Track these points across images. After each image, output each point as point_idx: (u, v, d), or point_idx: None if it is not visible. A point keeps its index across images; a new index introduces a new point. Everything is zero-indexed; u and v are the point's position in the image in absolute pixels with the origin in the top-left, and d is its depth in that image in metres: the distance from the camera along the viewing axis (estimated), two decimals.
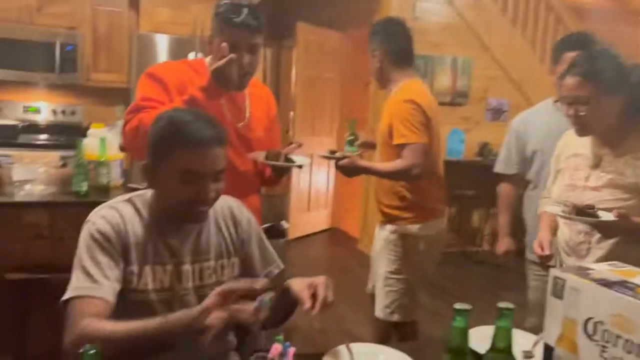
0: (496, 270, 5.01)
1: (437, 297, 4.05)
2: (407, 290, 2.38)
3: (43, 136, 4.63)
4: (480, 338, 1.25)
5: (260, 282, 1.15)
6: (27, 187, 2.39)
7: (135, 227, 1.33)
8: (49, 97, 4.79)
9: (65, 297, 1.22)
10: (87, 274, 1.23)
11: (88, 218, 1.32)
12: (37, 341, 2.25)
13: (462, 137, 5.24)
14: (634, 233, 1.64)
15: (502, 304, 1.03)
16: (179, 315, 1.17)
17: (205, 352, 1.39)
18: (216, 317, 1.11)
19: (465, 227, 5.48)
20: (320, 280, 1.27)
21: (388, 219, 2.42)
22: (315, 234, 5.84)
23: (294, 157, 1.91)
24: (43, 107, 4.74)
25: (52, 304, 2.20)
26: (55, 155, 4.09)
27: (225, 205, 1.49)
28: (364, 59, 5.43)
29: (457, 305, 1.00)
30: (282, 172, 1.99)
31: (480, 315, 1.27)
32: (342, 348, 1.33)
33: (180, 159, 1.27)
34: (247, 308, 1.14)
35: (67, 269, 2.17)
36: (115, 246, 1.28)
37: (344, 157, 2.32)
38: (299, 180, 5.53)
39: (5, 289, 2.17)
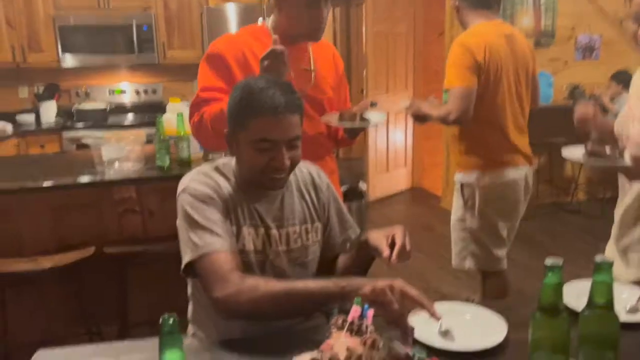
0: (593, 220, 4.71)
1: (528, 250, 3.88)
2: (473, 239, 2.37)
3: (129, 116, 4.87)
4: (577, 294, 1.17)
5: (433, 309, 1.10)
6: (116, 165, 2.52)
7: (227, 191, 1.35)
8: (131, 78, 5.00)
9: (191, 257, 1.25)
10: (208, 230, 1.26)
11: (182, 187, 1.34)
12: (137, 310, 2.41)
13: (549, 81, 4.89)
14: None
15: (599, 258, 0.94)
16: (344, 283, 1.15)
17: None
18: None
19: (557, 176, 5.17)
20: (397, 228, 1.26)
21: (456, 165, 2.42)
22: (396, 194, 5.76)
23: (368, 114, 1.85)
24: (127, 88, 4.96)
25: (148, 274, 2.35)
26: (141, 133, 4.31)
27: (306, 171, 1.49)
28: (436, 8, 5.19)
29: (548, 261, 0.92)
30: (356, 132, 1.95)
31: (577, 269, 1.17)
32: None
33: (253, 127, 1.27)
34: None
35: (158, 240, 2.29)
36: (219, 205, 1.31)
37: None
38: (376, 140, 5.45)
39: (105, 263, 2.32)
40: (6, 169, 2.82)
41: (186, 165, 2.48)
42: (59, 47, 4.46)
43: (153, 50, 4.69)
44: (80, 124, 4.47)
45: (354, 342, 0.98)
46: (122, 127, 4.53)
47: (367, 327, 1.00)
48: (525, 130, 2.38)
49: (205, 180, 1.34)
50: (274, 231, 1.37)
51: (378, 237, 1.27)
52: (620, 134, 1.60)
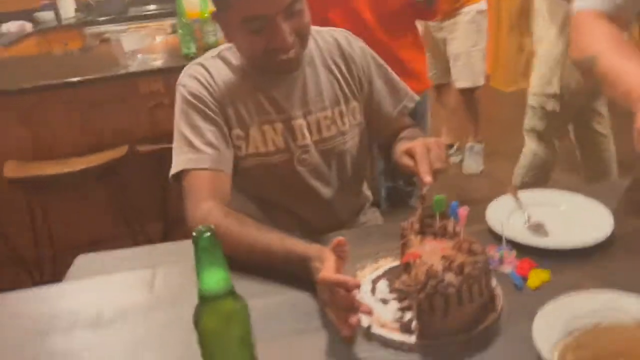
0: None
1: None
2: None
3: (151, 6, 4.54)
4: None
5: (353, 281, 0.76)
6: (139, 57, 2.31)
7: (229, 84, 1.13)
8: None
9: (172, 172, 1.09)
10: (190, 144, 1.08)
11: (178, 80, 1.15)
12: (179, 207, 2.32)
13: None
14: None
15: None
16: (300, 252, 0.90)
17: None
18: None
19: None
20: (417, 146, 0.97)
21: None
22: None
23: None
24: None
25: None
26: (166, 24, 4.04)
27: (332, 40, 1.22)
28: None
29: None
30: None
31: None
32: (505, 197, 1.10)
33: (237, 4, 1.01)
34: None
35: None
36: (211, 107, 1.11)
37: None
38: None
39: (141, 161, 2.20)
40: (28, 69, 2.66)
41: None
42: None
43: None
44: (101, 18, 4.20)
45: (446, 248, 0.79)
46: (144, 18, 4.23)
47: (454, 228, 0.81)
48: None
49: (199, 73, 1.13)
50: (300, 121, 1.15)
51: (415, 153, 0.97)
52: None
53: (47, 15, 4.32)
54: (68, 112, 2.31)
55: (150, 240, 2.41)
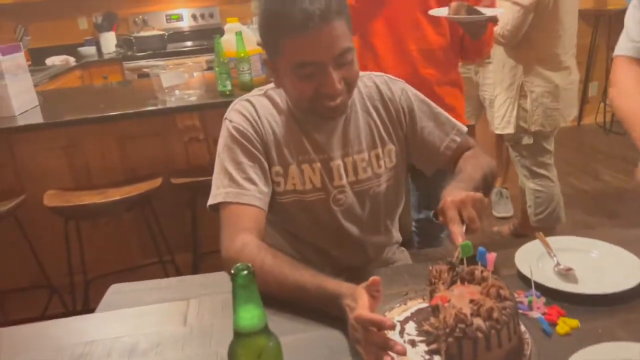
0: None
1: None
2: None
3: (188, 43, 4.72)
4: None
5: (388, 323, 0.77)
6: (177, 92, 2.40)
7: (272, 123, 1.18)
8: (187, 3, 4.81)
9: (211, 202, 1.13)
10: (231, 178, 1.12)
11: (225, 114, 1.20)
12: (209, 239, 2.36)
13: None
14: None
15: None
16: (332, 292, 0.90)
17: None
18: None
19: None
20: (467, 200, 0.97)
21: None
22: None
23: (484, 10, 1.63)
24: (184, 13, 4.79)
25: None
26: (201, 60, 4.19)
27: (372, 85, 1.26)
28: None
29: None
30: (477, 31, 1.71)
31: None
32: (534, 242, 1.11)
33: (288, 51, 1.04)
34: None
35: None
36: (254, 144, 1.15)
37: None
38: None
39: (174, 193, 2.26)
40: (69, 101, 2.78)
41: (249, 88, 2.30)
42: None
43: None
44: (140, 53, 4.38)
45: (474, 293, 0.80)
46: (181, 54, 4.39)
47: (482, 273, 0.82)
48: None
49: (246, 110, 1.17)
50: (338, 162, 1.19)
51: (446, 214, 0.98)
52: None
53: (89, 50, 4.53)
54: (107, 143, 2.40)
55: (179, 271, 2.45)
